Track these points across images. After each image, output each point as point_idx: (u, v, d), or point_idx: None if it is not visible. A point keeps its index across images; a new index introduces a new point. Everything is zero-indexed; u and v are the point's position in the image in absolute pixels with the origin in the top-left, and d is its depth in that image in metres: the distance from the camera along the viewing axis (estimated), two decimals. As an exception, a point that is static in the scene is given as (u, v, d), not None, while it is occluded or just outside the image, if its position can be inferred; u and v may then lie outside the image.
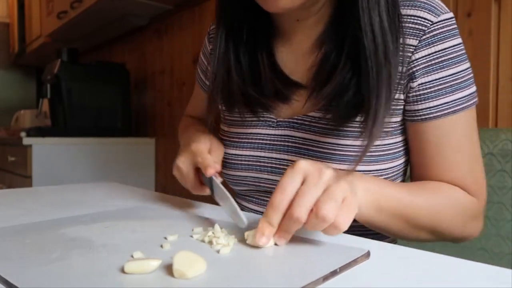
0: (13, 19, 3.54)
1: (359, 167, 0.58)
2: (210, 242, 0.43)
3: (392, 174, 0.62)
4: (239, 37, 0.63)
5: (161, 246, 0.42)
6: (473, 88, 0.58)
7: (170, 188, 2.23)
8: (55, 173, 2.02)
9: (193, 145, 0.60)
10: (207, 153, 0.60)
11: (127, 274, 0.34)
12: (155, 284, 0.32)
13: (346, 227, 0.42)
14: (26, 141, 1.96)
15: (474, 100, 0.58)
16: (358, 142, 0.58)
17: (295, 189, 0.42)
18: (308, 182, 0.42)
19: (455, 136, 0.58)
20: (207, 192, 0.59)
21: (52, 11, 2.59)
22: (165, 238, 0.45)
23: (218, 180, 0.54)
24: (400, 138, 0.61)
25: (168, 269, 0.35)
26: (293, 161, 0.62)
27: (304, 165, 0.43)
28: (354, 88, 0.54)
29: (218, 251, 0.41)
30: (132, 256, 0.38)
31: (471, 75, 0.58)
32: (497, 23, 1.01)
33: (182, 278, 0.33)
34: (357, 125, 0.58)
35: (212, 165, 0.55)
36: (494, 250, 0.77)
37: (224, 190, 0.50)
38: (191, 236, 0.46)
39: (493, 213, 0.78)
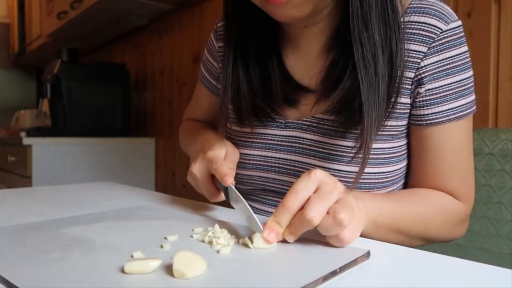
0: (13, 19, 3.54)
1: (367, 169, 0.59)
2: (210, 242, 0.43)
3: (396, 176, 0.63)
4: (248, 47, 0.63)
5: (161, 246, 0.42)
6: (474, 96, 0.60)
7: (170, 188, 2.23)
8: (55, 173, 2.02)
9: (209, 152, 0.58)
10: (223, 160, 0.59)
11: (127, 274, 0.34)
12: (155, 284, 0.32)
13: (350, 242, 0.43)
14: (26, 141, 1.96)
15: (474, 108, 0.60)
16: None
17: (308, 195, 0.43)
18: (322, 190, 0.43)
19: (456, 142, 0.60)
20: (222, 197, 0.58)
21: (52, 11, 2.59)
22: (165, 238, 0.45)
23: (234, 188, 0.53)
24: (404, 141, 0.62)
25: (168, 269, 0.35)
26: (300, 161, 0.63)
27: (320, 174, 0.45)
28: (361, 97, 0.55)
29: (218, 251, 0.41)
30: (132, 256, 0.38)
31: (473, 83, 0.60)
32: (497, 23, 1.01)
33: (182, 278, 0.33)
34: None
35: (229, 173, 0.53)
36: (494, 250, 0.77)
37: (240, 195, 0.50)
38: (191, 236, 0.46)
39: (493, 213, 0.78)
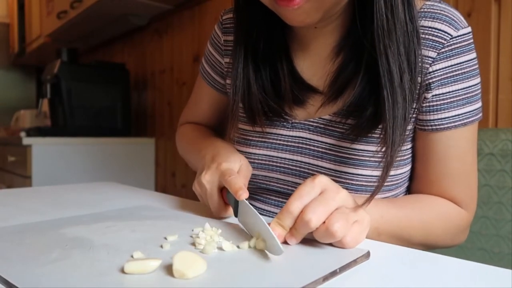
0: (13, 19, 3.54)
1: (373, 172, 0.59)
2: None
3: (401, 180, 0.63)
4: (258, 45, 0.62)
5: (161, 246, 0.42)
6: (480, 103, 0.60)
7: (170, 188, 2.23)
8: (55, 173, 2.02)
9: (223, 164, 0.56)
10: (237, 173, 0.56)
11: (127, 274, 0.34)
12: (155, 284, 0.32)
13: (352, 247, 0.43)
14: (26, 141, 1.96)
15: (480, 115, 0.60)
16: (372, 147, 0.59)
17: (312, 198, 0.44)
18: (325, 195, 0.44)
19: (461, 148, 0.60)
20: (230, 213, 0.56)
21: (52, 11, 2.59)
22: (165, 238, 0.45)
23: (247, 202, 0.49)
24: (410, 145, 0.62)
25: (168, 269, 0.35)
26: (306, 162, 0.63)
27: (324, 180, 0.45)
28: (376, 102, 0.54)
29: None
30: (132, 256, 0.38)
31: (480, 90, 0.60)
32: (497, 23, 1.01)
33: (182, 278, 0.33)
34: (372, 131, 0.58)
35: (244, 188, 0.50)
36: (494, 250, 0.77)
37: (256, 212, 0.46)
38: (191, 236, 0.46)
39: (493, 213, 0.77)
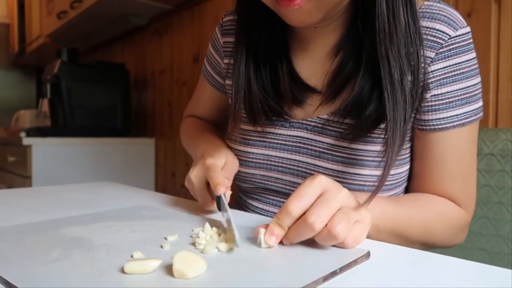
0: (13, 19, 3.54)
1: (371, 172, 0.59)
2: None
3: (399, 180, 0.63)
4: (258, 48, 0.63)
5: (161, 246, 0.42)
6: (481, 103, 0.60)
7: (170, 188, 2.23)
8: (55, 173, 2.02)
9: (208, 159, 0.59)
10: (221, 169, 0.58)
11: (127, 274, 0.34)
12: (155, 284, 0.32)
13: (353, 247, 0.43)
14: (26, 141, 1.96)
15: (480, 114, 0.60)
16: (370, 147, 0.59)
17: (312, 199, 0.43)
18: (326, 196, 0.43)
19: (459, 148, 0.60)
20: (215, 206, 0.58)
21: (52, 11, 2.59)
22: (165, 238, 0.45)
23: (225, 199, 0.52)
24: (408, 145, 0.62)
25: (168, 269, 0.35)
26: (304, 162, 0.63)
27: (324, 180, 0.45)
28: (376, 102, 0.54)
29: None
30: (132, 256, 0.38)
31: (480, 89, 0.60)
32: (497, 23, 1.01)
33: (182, 278, 0.33)
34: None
35: (223, 183, 0.53)
36: (494, 250, 0.77)
37: (227, 207, 0.49)
38: (191, 236, 0.46)
39: (493, 213, 0.78)
